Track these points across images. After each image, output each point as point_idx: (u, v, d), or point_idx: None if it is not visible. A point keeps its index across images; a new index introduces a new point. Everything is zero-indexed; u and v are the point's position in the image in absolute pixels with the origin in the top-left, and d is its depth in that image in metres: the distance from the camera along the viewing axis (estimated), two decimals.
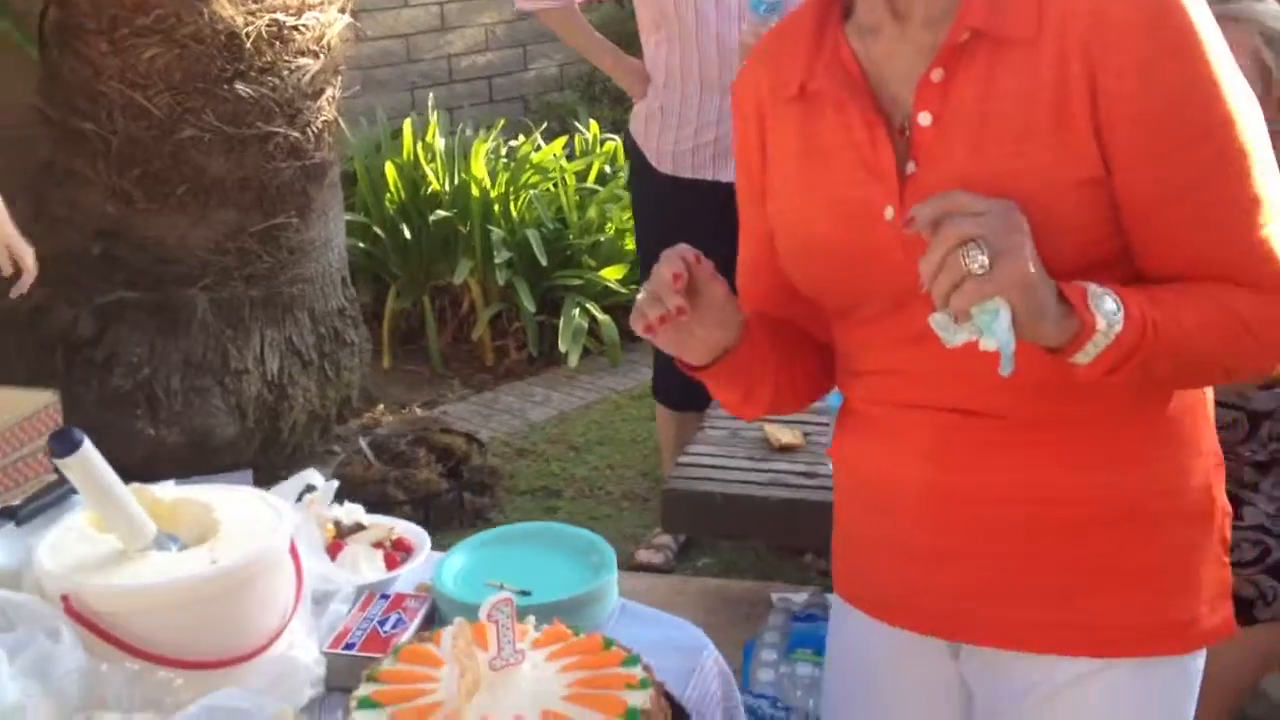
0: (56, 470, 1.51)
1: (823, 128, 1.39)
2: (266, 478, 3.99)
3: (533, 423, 4.75)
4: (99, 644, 1.43)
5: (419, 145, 5.27)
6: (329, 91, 3.92)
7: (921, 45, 1.33)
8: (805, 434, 3.07)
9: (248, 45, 3.66)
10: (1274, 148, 1.33)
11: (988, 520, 1.38)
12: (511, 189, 5.20)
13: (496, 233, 5.02)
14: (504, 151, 5.46)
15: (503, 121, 5.68)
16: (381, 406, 4.69)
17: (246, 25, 3.65)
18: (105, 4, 3.59)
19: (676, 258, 1.34)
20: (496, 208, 5.12)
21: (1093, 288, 1.22)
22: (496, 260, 4.96)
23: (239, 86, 3.68)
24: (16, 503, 1.73)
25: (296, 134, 3.83)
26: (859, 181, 1.35)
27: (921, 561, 1.43)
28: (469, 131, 5.60)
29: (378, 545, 1.80)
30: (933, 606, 1.44)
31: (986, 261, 1.14)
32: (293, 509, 1.70)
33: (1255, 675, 2.31)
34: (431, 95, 5.89)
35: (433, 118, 5.50)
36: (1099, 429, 1.35)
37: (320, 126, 3.91)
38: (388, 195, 5.18)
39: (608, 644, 1.48)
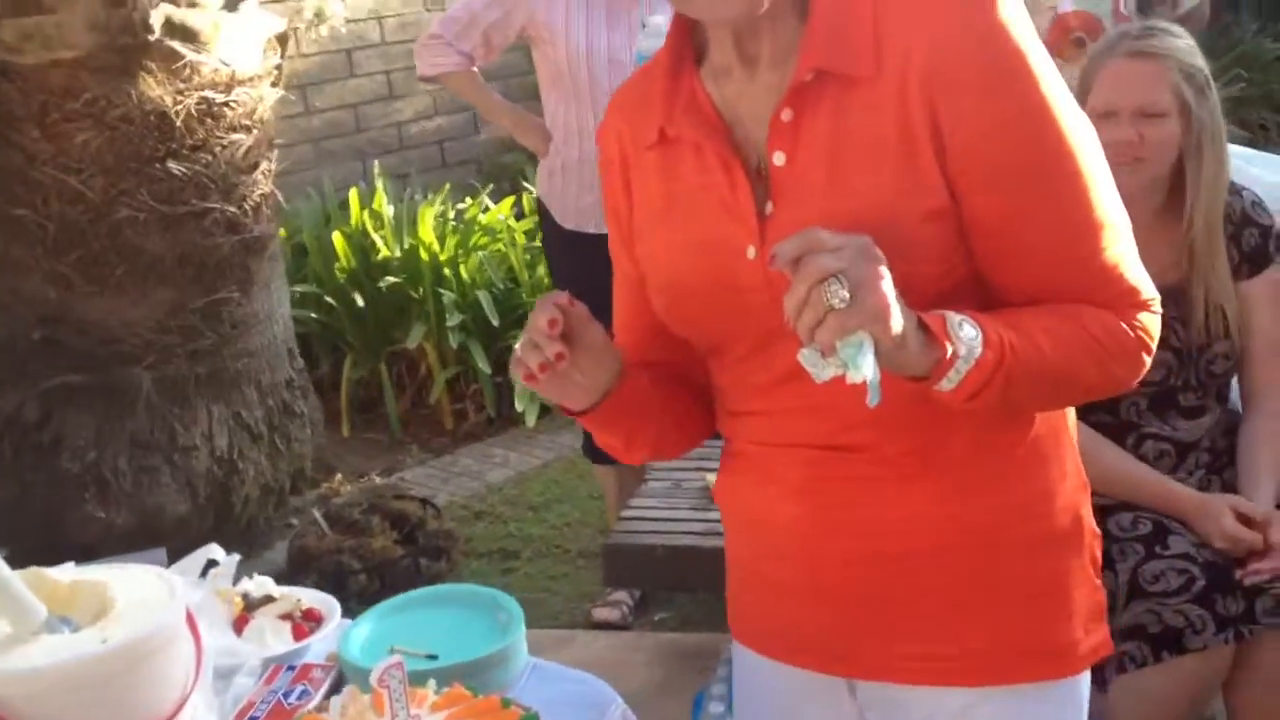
0: None
1: (683, 171, 1.41)
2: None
3: (491, 484, 4.75)
4: None
5: (366, 213, 5.30)
6: (264, 165, 3.94)
7: (770, 85, 1.35)
8: None
9: (178, 124, 3.68)
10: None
11: (860, 554, 1.40)
12: (461, 251, 5.22)
13: (448, 296, 5.04)
14: (453, 215, 5.49)
15: (448, 185, 5.72)
16: (340, 476, 4.67)
17: (176, 104, 3.68)
18: (34, 90, 3.61)
19: (550, 304, 1.35)
20: (447, 271, 5.15)
21: (951, 315, 1.24)
22: (449, 323, 4.98)
23: (171, 165, 3.70)
24: None
25: (233, 209, 3.85)
26: (720, 222, 1.37)
27: (801, 598, 1.44)
28: (418, 197, 5.64)
29: (285, 617, 1.80)
30: (817, 643, 1.45)
31: (847, 295, 1.15)
32: (195, 584, 1.70)
33: (1191, 703, 2.30)
34: (378, 163, 5.93)
35: (379, 184, 5.53)
36: (964, 458, 1.37)
37: (257, 200, 3.92)
38: (337, 265, 5.21)
39: (506, 704, 1.48)
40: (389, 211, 5.38)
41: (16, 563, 1.57)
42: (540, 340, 1.34)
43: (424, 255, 5.11)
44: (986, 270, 1.34)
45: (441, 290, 5.06)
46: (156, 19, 3.59)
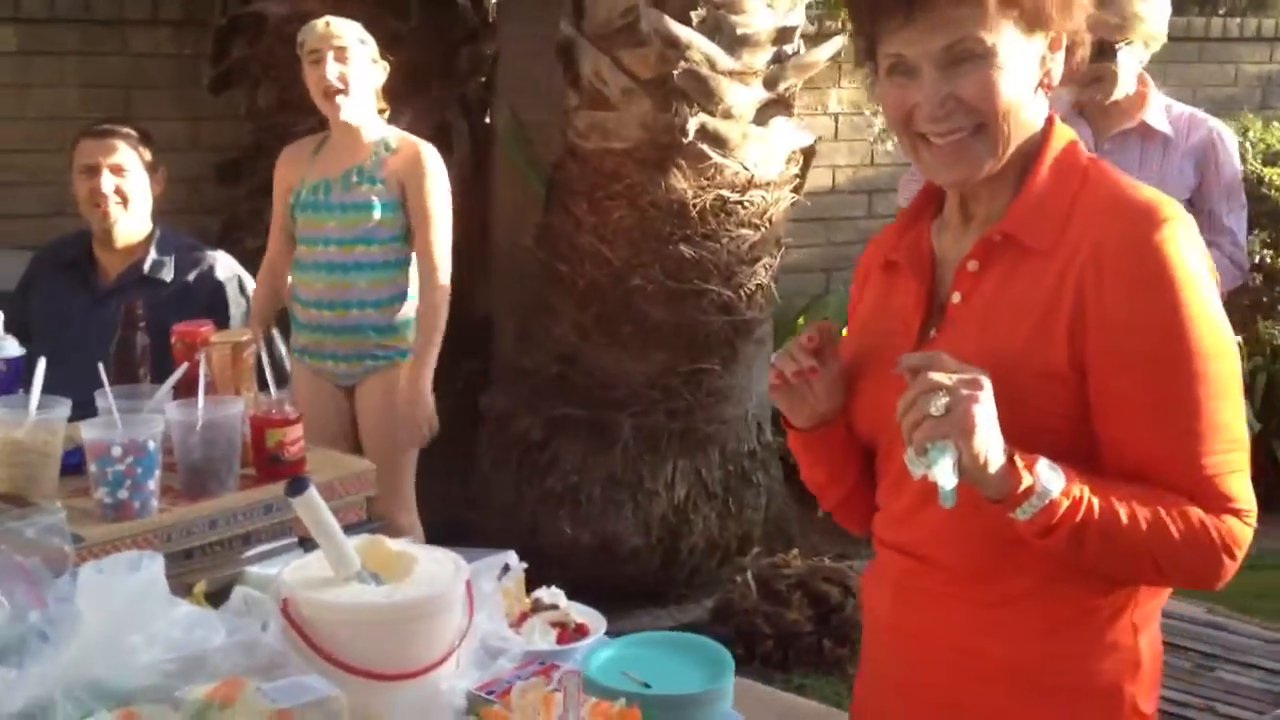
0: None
1: (893, 291, 1.72)
2: (664, 590, 4.50)
3: None
4: (297, 640, 1.95)
5: None
6: (765, 259, 4.43)
7: (974, 241, 1.63)
8: None
9: (694, 214, 4.27)
10: None
11: (925, 659, 1.63)
12: None
13: None
14: None
15: None
16: (796, 550, 5.04)
17: (695, 198, 4.26)
18: (590, 173, 4.34)
19: (814, 328, 1.70)
20: None
21: (1044, 459, 1.45)
22: None
23: (683, 248, 4.28)
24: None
25: (730, 293, 4.37)
26: (894, 333, 1.66)
27: (890, 694, 1.70)
28: None
29: (557, 624, 2.22)
30: None
31: (944, 407, 1.40)
32: (490, 579, 2.17)
33: None
34: None
35: None
36: (1024, 597, 1.56)
37: (753, 288, 4.42)
38: None
39: None
40: None
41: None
42: (799, 354, 1.68)
43: None
44: (1101, 442, 1.52)
45: None
46: (693, 125, 4.19)
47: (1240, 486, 1.49)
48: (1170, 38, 7.08)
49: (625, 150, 4.28)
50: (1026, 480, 1.42)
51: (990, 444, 1.41)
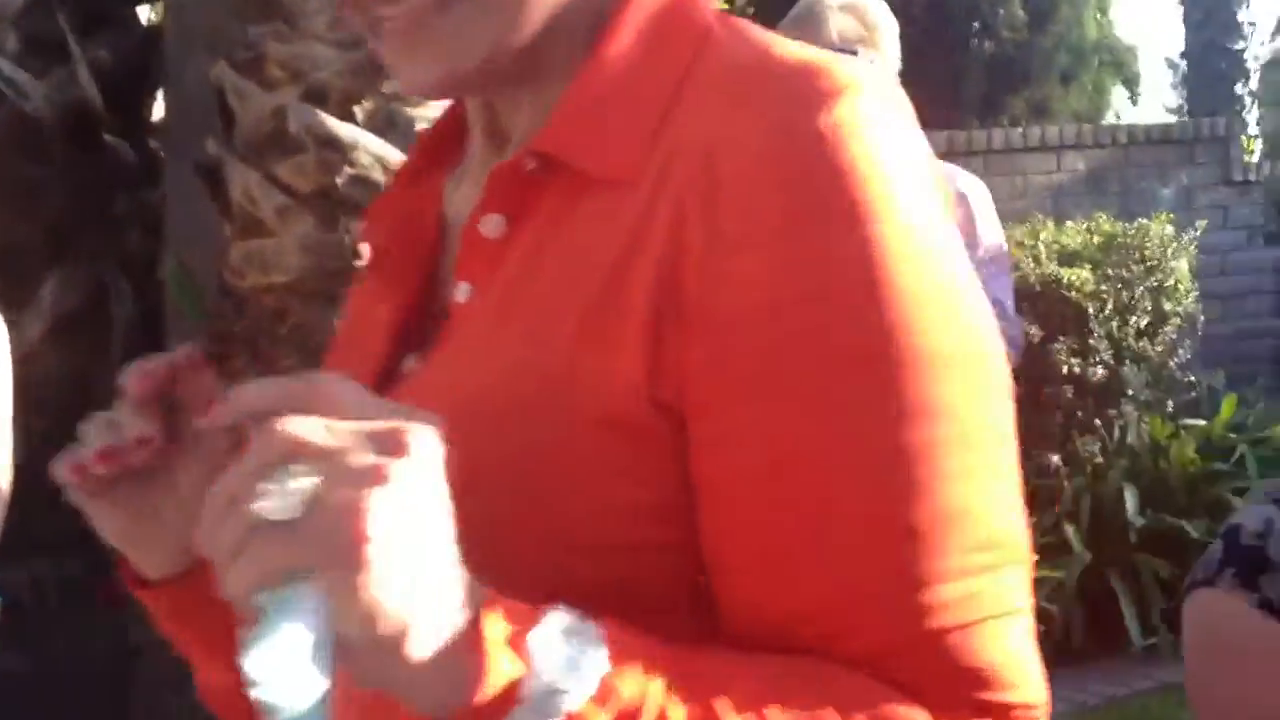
0: None
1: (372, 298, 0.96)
2: None
3: None
4: None
5: None
6: None
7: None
8: None
9: None
10: None
11: None
12: None
13: None
14: None
15: None
16: None
17: None
18: (250, 316, 3.65)
19: (154, 361, 0.87)
20: None
21: (558, 616, 0.65)
22: None
23: None
24: None
25: None
26: (350, 363, 0.89)
27: None
28: None
29: None
30: None
31: (297, 500, 0.61)
32: None
33: None
34: None
35: None
36: None
37: None
38: None
39: None
40: None
41: None
42: (127, 416, 0.83)
43: None
44: (713, 572, 0.72)
45: None
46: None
47: (1007, 641, 0.69)
48: (953, 151, 6.86)
49: (287, 284, 3.54)
50: (506, 668, 0.62)
51: (418, 585, 0.61)
